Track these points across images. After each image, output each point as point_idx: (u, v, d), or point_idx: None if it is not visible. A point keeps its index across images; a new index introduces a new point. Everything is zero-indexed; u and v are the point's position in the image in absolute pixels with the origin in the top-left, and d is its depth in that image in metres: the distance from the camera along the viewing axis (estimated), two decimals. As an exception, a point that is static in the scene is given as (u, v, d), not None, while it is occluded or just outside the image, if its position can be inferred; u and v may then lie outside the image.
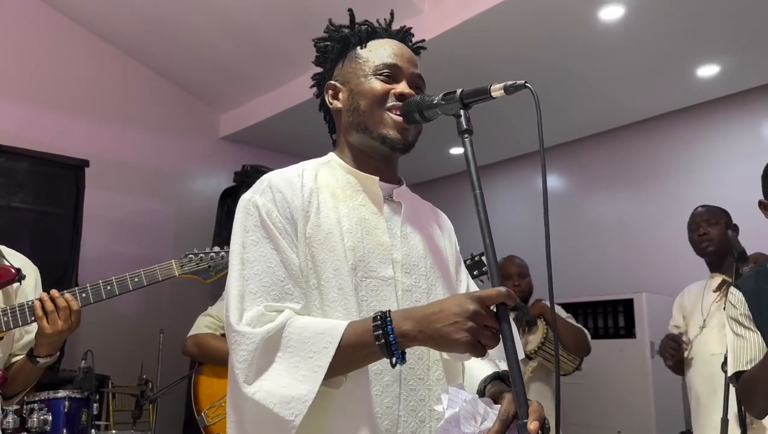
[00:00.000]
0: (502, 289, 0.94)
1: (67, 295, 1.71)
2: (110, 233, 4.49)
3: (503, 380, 1.12)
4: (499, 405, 0.96)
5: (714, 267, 2.85)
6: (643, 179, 4.88)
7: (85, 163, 3.99)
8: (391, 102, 1.22)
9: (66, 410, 2.45)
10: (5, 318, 1.72)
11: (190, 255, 1.94)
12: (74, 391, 2.49)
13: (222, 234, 4.82)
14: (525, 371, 2.89)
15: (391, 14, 1.36)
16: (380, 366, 1.08)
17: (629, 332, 4.26)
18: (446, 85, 1.22)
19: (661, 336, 3.21)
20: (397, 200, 1.26)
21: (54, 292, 1.72)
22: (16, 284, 1.81)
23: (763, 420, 2.40)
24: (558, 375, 1.00)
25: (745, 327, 1.75)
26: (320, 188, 1.20)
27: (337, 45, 1.31)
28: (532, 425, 0.88)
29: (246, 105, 5.13)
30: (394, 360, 0.97)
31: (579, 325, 3.30)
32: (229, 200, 4.88)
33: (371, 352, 0.99)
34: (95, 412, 2.57)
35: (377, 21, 1.34)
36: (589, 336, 3.14)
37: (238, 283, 1.08)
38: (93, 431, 2.56)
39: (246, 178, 4.71)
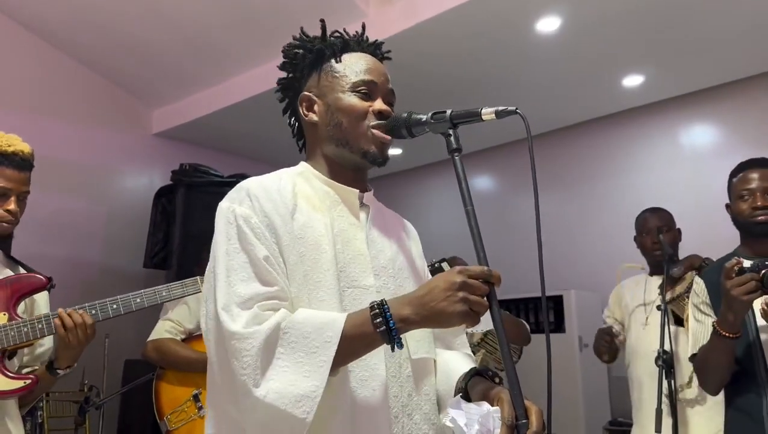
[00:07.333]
0: (485, 268, 1.02)
1: (81, 311, 1.87)
2: (38, 233, 4.28)
3: (482, 375, 1.17)
4: (498, 407, 1.01)
5: (656, 269, 2.96)
6: (571, 181, 5.13)
7: (13, 160, 3.79)
8: (371, 120, 1.27)
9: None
10: (26, 329, 1.83)
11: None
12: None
13: (157, 235, 4.69)
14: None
15: (363, 27, 1.40)
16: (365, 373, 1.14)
17: (559, 327, 4.49)
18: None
19: (588, 330, 3.39)
20: (366, 203, 1.31)
21: (68, 309, 1.87)
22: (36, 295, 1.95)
23: (688, 413, 2.64)
24: (550, 372, 1.04)
25: (704, 313, 1.97)
26: (298, 196, 1.22)
27: (310, 55, 1.34)
28: (536, 428, 0.95)
29: (181, 101, 5.00)
30: (394, 345, 1.03)
31: (518, 318, 3.47)
32: (164, 200, 4.73)
33: (372, 341, 1.04)
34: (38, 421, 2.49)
35: (345, 31, 1.37)
36: (528, 328, 3.29)
37: (225, 291, 1.08)
38: (36, 440, 2.48)
39: (184, 177, 4.58)
